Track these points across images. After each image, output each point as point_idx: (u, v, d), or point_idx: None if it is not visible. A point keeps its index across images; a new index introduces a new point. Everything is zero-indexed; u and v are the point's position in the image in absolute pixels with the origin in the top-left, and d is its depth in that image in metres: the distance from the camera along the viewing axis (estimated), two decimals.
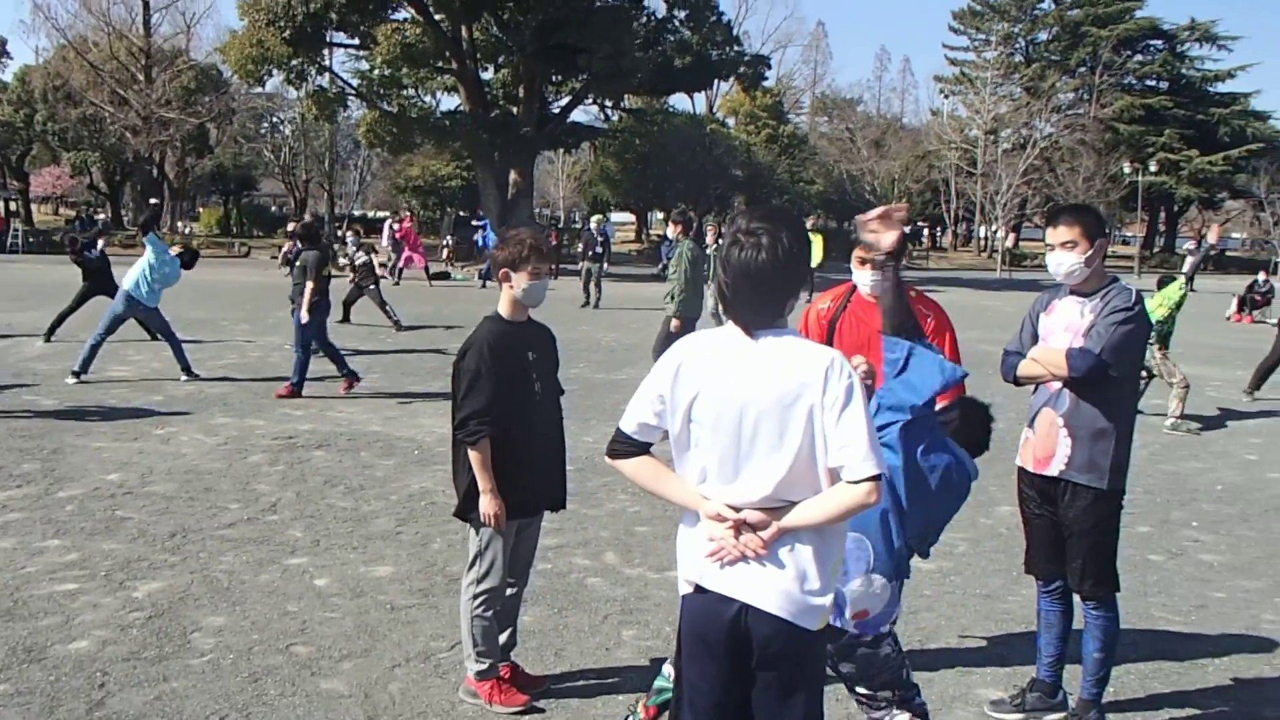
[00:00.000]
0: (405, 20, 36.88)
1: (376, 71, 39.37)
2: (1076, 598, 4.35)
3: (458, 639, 4.74)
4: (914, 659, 4.96)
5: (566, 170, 70.58)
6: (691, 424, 2.73)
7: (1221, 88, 72.05)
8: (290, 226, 29.45)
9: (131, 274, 11.73)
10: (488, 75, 42.93)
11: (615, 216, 61.55)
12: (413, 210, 50.83)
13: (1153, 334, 11.11)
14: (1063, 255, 4.17)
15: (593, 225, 27.78)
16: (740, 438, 2.68)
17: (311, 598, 5.49)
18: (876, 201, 60.97)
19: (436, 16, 35.52)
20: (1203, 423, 11.40)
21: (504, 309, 4.38)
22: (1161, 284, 11.65)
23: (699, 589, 2.78)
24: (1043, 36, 73.86)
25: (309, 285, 10.92)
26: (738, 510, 2.70)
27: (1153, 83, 72.19)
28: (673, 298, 11.38)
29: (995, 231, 60.80)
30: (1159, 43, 72.34)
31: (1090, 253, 4.12)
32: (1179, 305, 11.37)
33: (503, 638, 4.49)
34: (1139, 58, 71.74)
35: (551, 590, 5.77)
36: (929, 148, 64.68)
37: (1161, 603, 5.90)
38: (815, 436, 2.63)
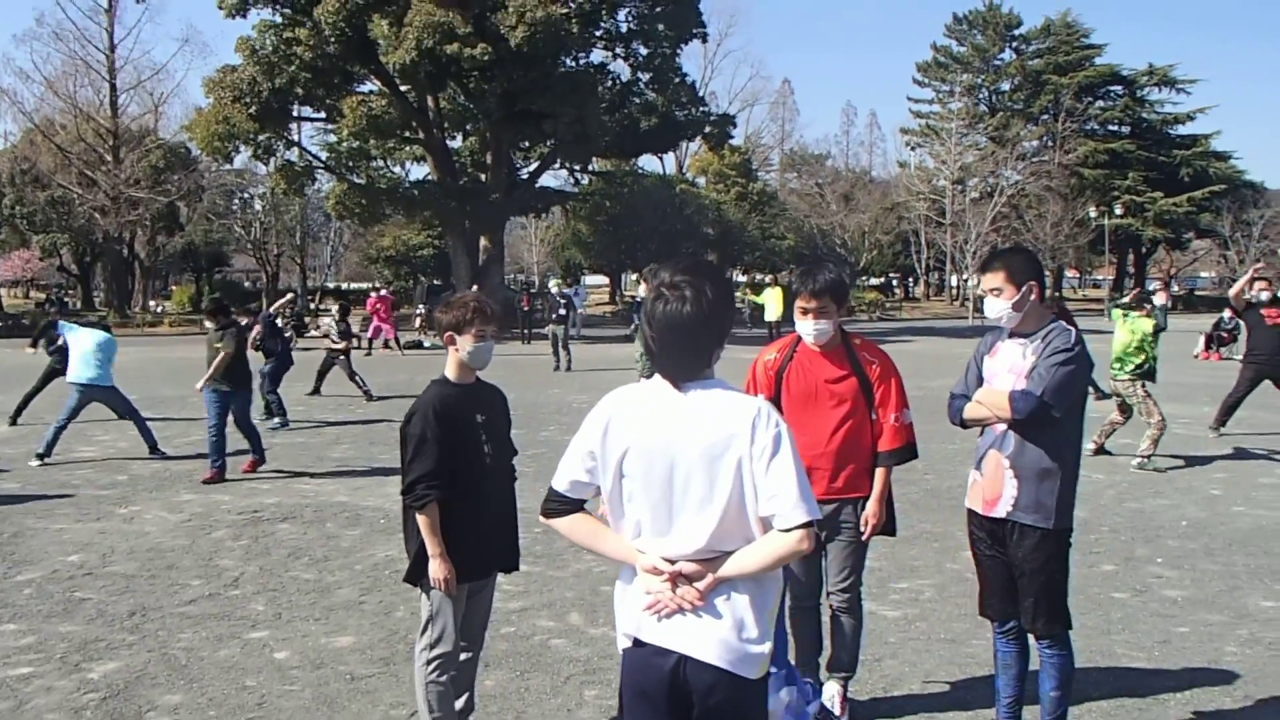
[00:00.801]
0: (371, 92, 37.31)
1: (344, 144, 39.69)
2: (1031, 638, 4.35)
3: (416, 707, 4.69)
4: (878, 707, 4.99)
5: (539, 234, 70.96)
6: (623, 479, 2.74)
7: (1182, 130, 73.35)
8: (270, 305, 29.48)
9: (74, 368, 11.58)
10: (455, 143, 43.38)
11: (589, 279, 61.87)
12: (388, 281, 50.89)
13: (1136, 372, 11.28)
14: (993, 301, 4.24)
15: (552, 288, 27.94)
16: (672, 490, 2.69)
17: (271, 671, 5.43)
18: (847, 255, 61.94)
19: (402, 88, 35.92)
20: (1169, 459, 11.45)
21: (450, 372, 4.39)
22: (1128, 306, 11.74)
23: (637, 643, 2.78)
24: (1005, 86, 75.14)
25: (220, 358, 10.70)
26: (673, 563, 2.70)
27: (1115, 127, 73.42)
28: (640, 358, 11.43)
29: (966, 280, 61.35)
30: (1119, 88, 73.73)
31: (1017, 297, 4.18)
32: (1154, 337, 11.42)
33: (459, 703, 4.45)
34: (1100, 103, 73.05)
35: (514, 653, 5.73)
36: (898, 199, 65.47)
37: (1125, 640, 5.90)
38: (745, 486, 2.65)
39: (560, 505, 2.83)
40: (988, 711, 4.62)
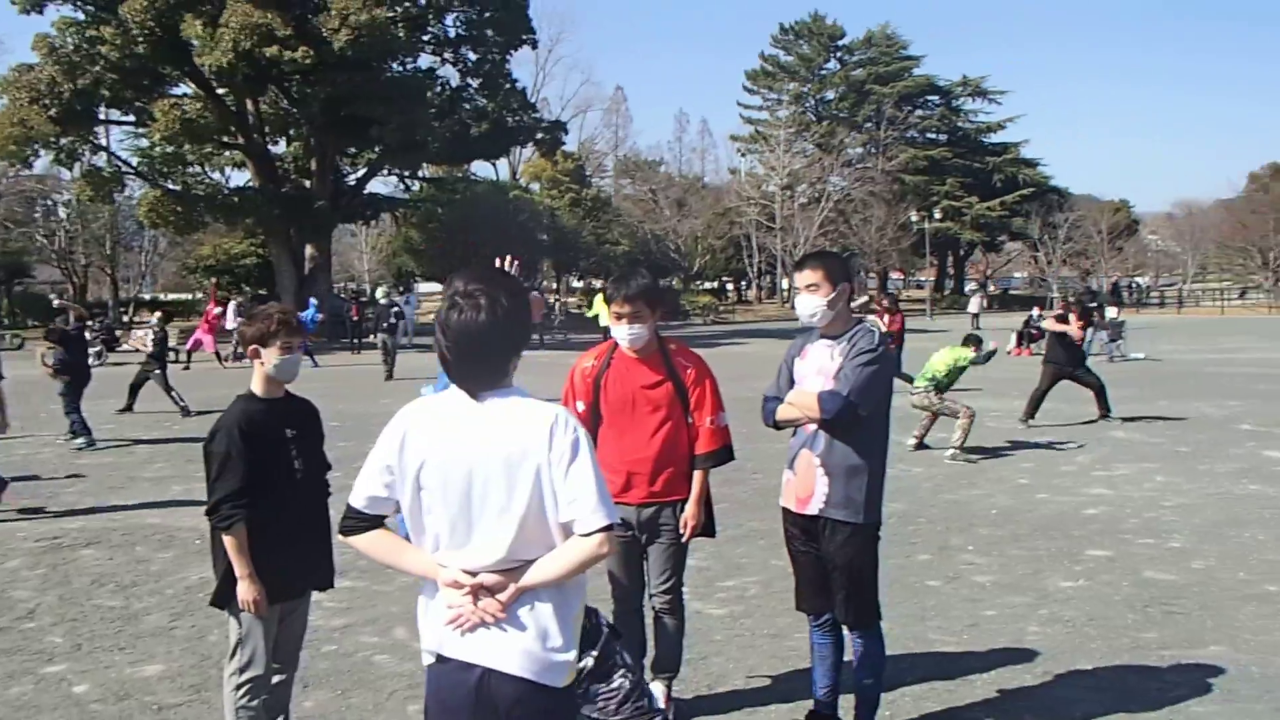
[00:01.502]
0: (185, 95, 35.97)
1: (157, 149, 38.08)
2: (845, 629, 4.47)
3: None
4: (703, 704, 5.05)
5: (370, 242, 69.65)
6: (421, 491, 2.70)
7: (995, 138, 77.08)
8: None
9: None
10: (278, 149, 42.22)
11: (422, 287, 60.96)
12: (212, 293, 48.97)
13: (929, 382, 11.99)
14: (807, 298, 4.33)
15: (380, 297, 27.45)
16: (470, 501, 2.66)
17: (69, 707, 5.15)
18: (681, 260, 62.75)
19: (219, 91, 34.77)
20: (983, 452, 11.98)
21: (257, 386, 4.26)
22: (966, 341, 12.50)
23: (441, 658, 2.74)
24: (831, 95, 77.49)
25: None
26: (474, 575, 2.67)
27: (933, 135, 76.64)
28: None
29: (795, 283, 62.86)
30: (936, 98, 76.97)
31: (833, 295, 4.30)
32: (962, 369, 12.20)
33: None
34: (919, 112, 76.12)
35: (336, 671, 5.59)
36: (729, 205, 66.72)
37: (937, 625, 6.13)
38: (545, 494, 2.64)
39: (358, 522, 2.77)
40: (808, 702, 4.72)
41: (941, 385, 12.03)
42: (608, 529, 2.61)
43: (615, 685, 3.63)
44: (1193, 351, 27.58)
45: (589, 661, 3.40)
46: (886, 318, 18.27)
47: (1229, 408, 15.22)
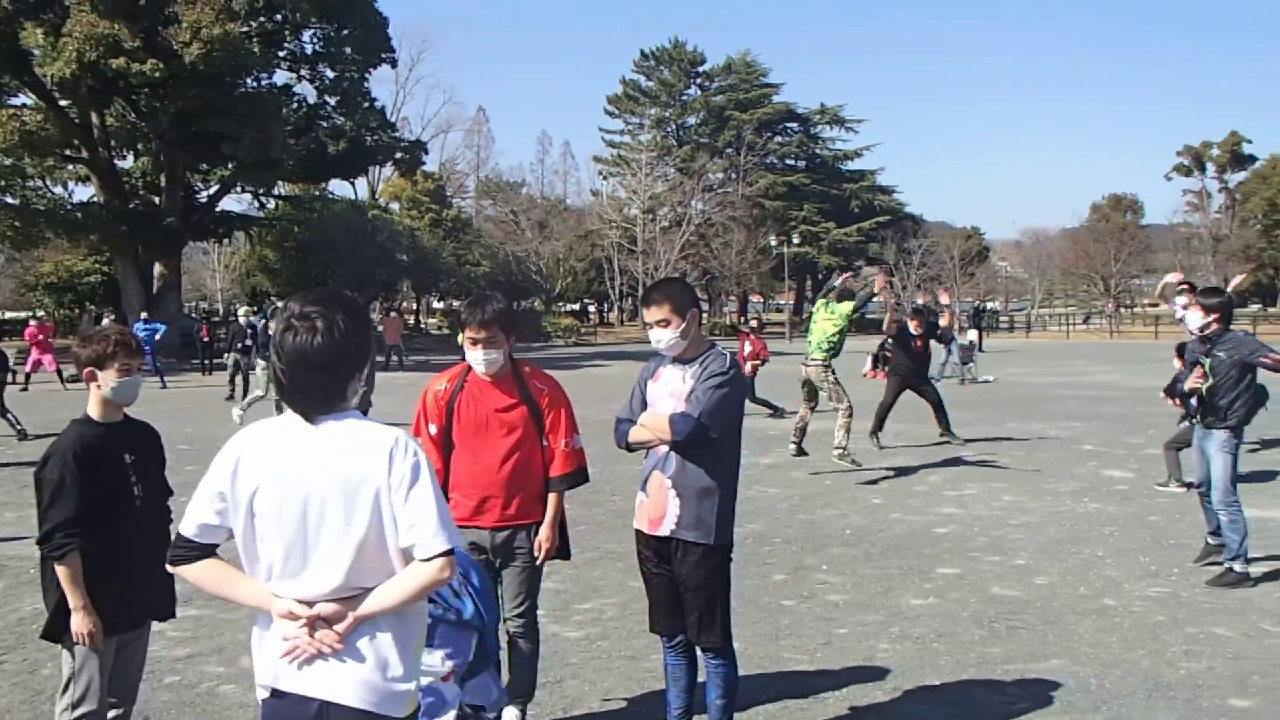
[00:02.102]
0: (24, 106, 34.46)
1: None
2: (699, 650, 4.51)
3: None
4: None
5: (223, 260, 67.78)
6: (255, 519, 2.62)
7: (851, 165, 79.25)
8: None
9: None
10: (125, 164, 40.77)
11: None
12: (47, 309, 46.97)
13: (831, 355, 11.90)
14: (660, 332, 4.37)
15: (240, 317, 26.72)
16: (306, 528, 2.60)
17: None
18: (543, 282, 62.63)
19: (62, 102, 33.41)
20: (837, 474, 12.19)
21: (94, 410, 4.09)
22: (840, 298, 12.32)
23: (276, 693, 2.66)
24: (692, 120, 78.61)
25: None
26: (310, 605, 2.61)
27: (792, 161, 78.44)
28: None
29: None
30: (795, 125, 78.90)
31: (684, 325, 4.34)
32: (849, 319, 12.07)
33: None
34: (779, 139, 77.83)
35: (178, 703, 5.39)
36: (591, 227, 66.92)
37: (791, 644, 6.22)
38: (384, 519, 2.59)
39: (188, 551, 2.68)
40: None
41: (837, 348, 11.93)
42: (448, 553, 2.58)
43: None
44: (1039, 375, 28.72)
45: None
46: (749, 340, 18.55)
47: (1072, 429, 15.87)
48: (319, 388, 2.63)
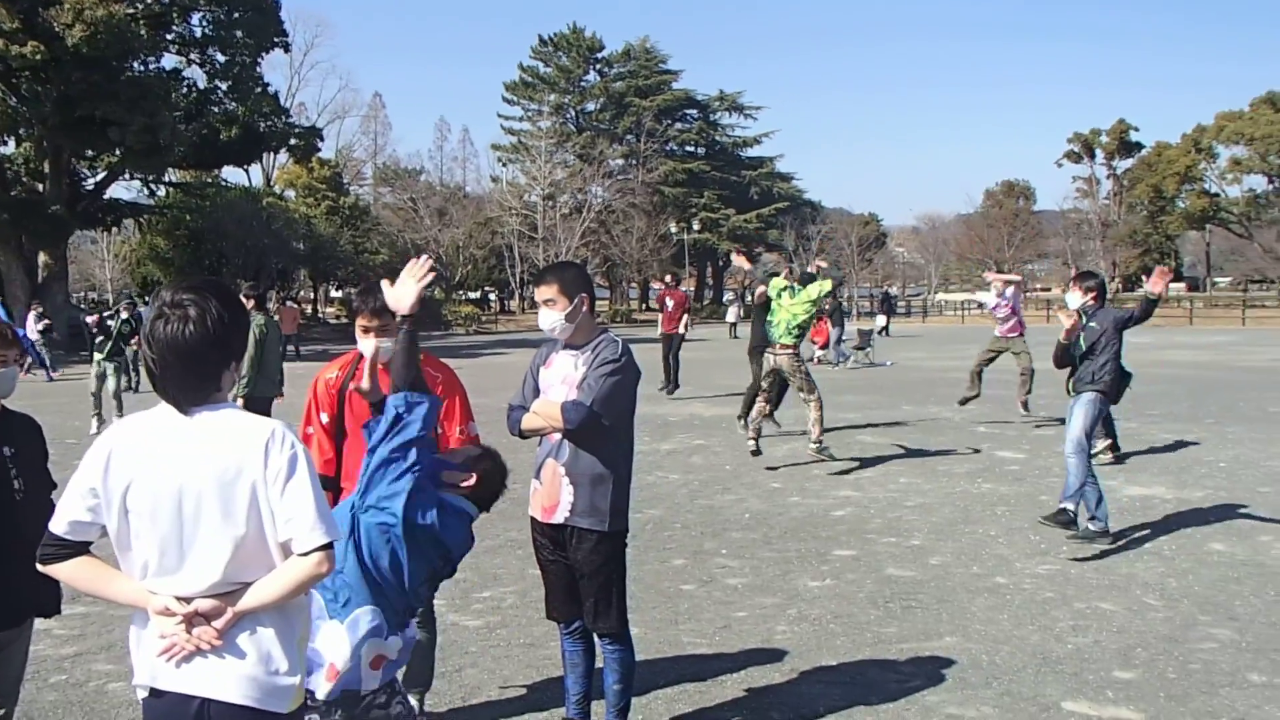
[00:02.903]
0: None
1: None
2: (596, 636, 4.52)
3: None
4: (456, 717, 4.99)
5: (113, 249, 65.88)
6: (129, 515, 2.56)
7: (751, 152, 79.82)
8: None
9: None
10: (6, 149, 39.29)
11: None
12: None
13: (792, 333, 11.43)
14: (546, 312, 4.37)
15: (122, 309, 26.01)
16: (182, 522, 2.54)
17: None
18: (443, 269, 62.03)
19: None
20: (735, 458, 12.28)
21: None
22: (802, 280, 11.87)
23: (155, 692, 2.60)
24: (591, 106, 78.37)
25: None
26: (188, 601, 2.55)
27: (692, 148, 78.67)
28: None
29: None
30: (694, 112, 79.10)
31: (570, 309, 4.33)
32: (816, 301, 11.59)
33: None
34: (679, 125, 78.00)
35: (65, 703, 5.23)
36: (491, 214, 66.47)
37: (690, 628, 6.27)
38: (262, 512, 2.55)
39: (59, 549, 2.60)
40: (561, 710, 4.74)
41: (805, 327, 11.58)
42: (327, 547, 2.55)
43: (395, 713, 3.58)
44: (935, 359, 29.29)
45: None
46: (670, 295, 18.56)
47: (966, 411, 16.23)
48: (191, 377, 2.57)
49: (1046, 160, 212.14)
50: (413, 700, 4.78)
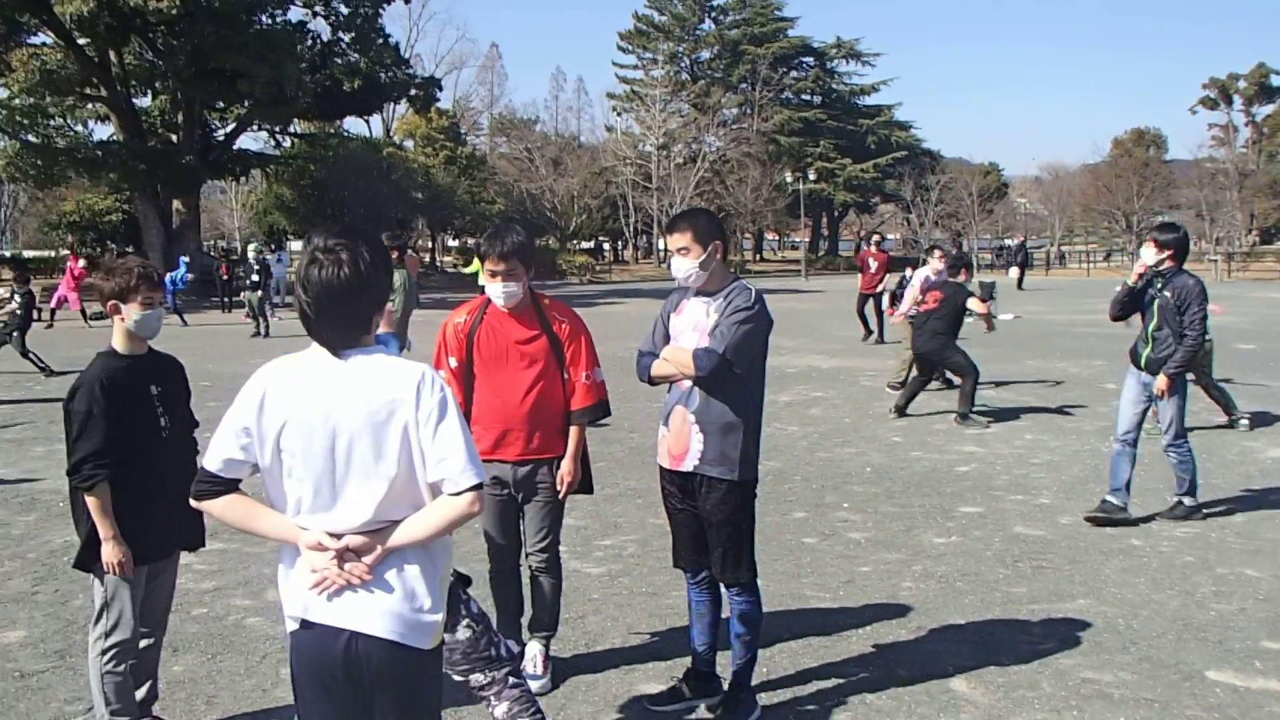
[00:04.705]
0: (44, 45, 34.27)
1: (16, 101, 36.24)
2: (723, 586, 4.51)
3: (92, 701, 4.38)
4: (580, 662, 5.05)
5: (240, 199, 67.66)
6: (282, 454, 2.62)
7: (868, 101, 78.10)
8: None
9: None
10: (143, 102, 40.59)
11: (295, 245, 59.40)
12: (72, 248, 47.04)
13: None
14: (679, 260, 4.33)
15: (251, 254, 26.82)
16: (335, 462, 2.60)
17: None
18: (557, 219, 62.36)
19: (80, 41, 33.21)
20: (858, 412, 12.15)
21: (118, 343, 4.11)
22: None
23: (305, 624, 2.67)
24: (705, 55, 77.43)
25: None
26: (339, 538, 2.61)
27: (808, 97, 77.29)
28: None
29: None
30: (810, 60, 77.57)
31: (704, 256, 4.29)
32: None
33: (140, 692, 4.19)
34: (794, 74, 76.64)
35: (206, 635, 5.46)
36: (606, 164, 66.30)
37: (814, 582, 6.24)
38: (413, 453, 2.59)
39: (212, 486, 2.67)
40: (685, 659, 4.76)
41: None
42: (477, 488, 2.59)
43: (460, 637, 3.65)
44: (1059, 312, 28.50)
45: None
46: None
47: (1094, 367, 15.78)
48: (345, 321, 2.61)
49: (1179, 107, 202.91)
50: (539, 645, 4.87)
